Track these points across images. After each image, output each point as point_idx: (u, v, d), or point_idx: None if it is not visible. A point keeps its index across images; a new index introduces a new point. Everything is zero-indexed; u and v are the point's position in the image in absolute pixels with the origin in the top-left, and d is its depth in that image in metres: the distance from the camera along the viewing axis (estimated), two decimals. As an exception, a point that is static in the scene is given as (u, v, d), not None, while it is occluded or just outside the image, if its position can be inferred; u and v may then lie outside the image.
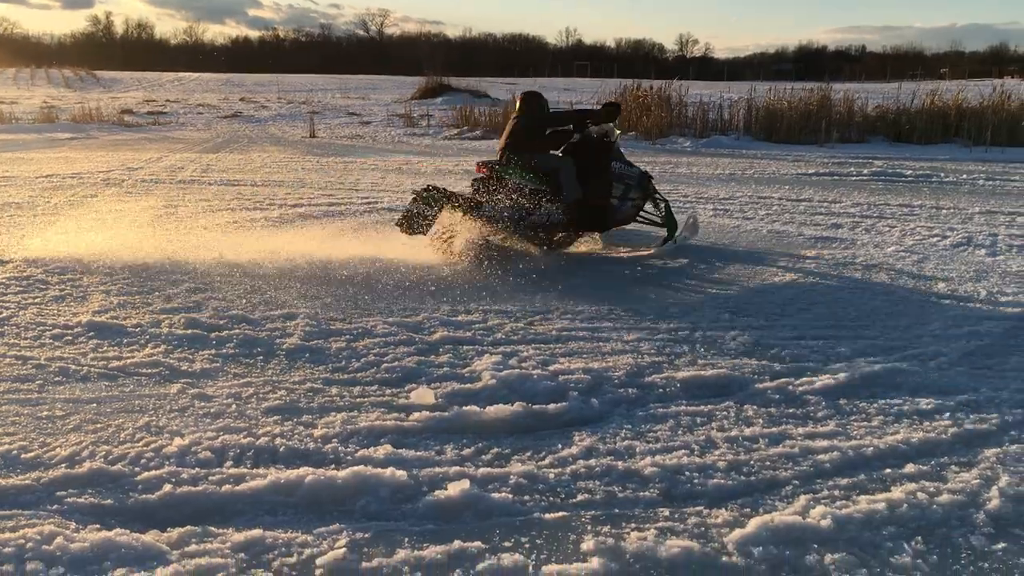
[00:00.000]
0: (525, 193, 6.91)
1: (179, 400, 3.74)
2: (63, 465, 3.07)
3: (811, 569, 2.48)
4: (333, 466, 3.11)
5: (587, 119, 7.37)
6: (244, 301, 5.45)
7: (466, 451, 3.29)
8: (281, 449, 3.25)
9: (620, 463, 3.16)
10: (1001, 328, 4.96)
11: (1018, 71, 63.63)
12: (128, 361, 4.23)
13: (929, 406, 3.74)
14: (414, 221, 6.79)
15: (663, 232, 7.52)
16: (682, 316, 5.19)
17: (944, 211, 9.56)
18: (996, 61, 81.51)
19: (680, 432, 3.48)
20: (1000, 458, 3.21)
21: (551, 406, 3.69)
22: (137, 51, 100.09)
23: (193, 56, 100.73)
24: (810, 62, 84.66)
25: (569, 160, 7.20)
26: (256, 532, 2.62)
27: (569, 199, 7.03)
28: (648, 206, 7.68)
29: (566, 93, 34.53)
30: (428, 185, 6.96)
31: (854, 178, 13.10)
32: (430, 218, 6.77)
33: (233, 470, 3.06)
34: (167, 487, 2.90)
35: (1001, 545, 2.62)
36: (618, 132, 7.65)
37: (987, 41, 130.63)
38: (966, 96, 20.50)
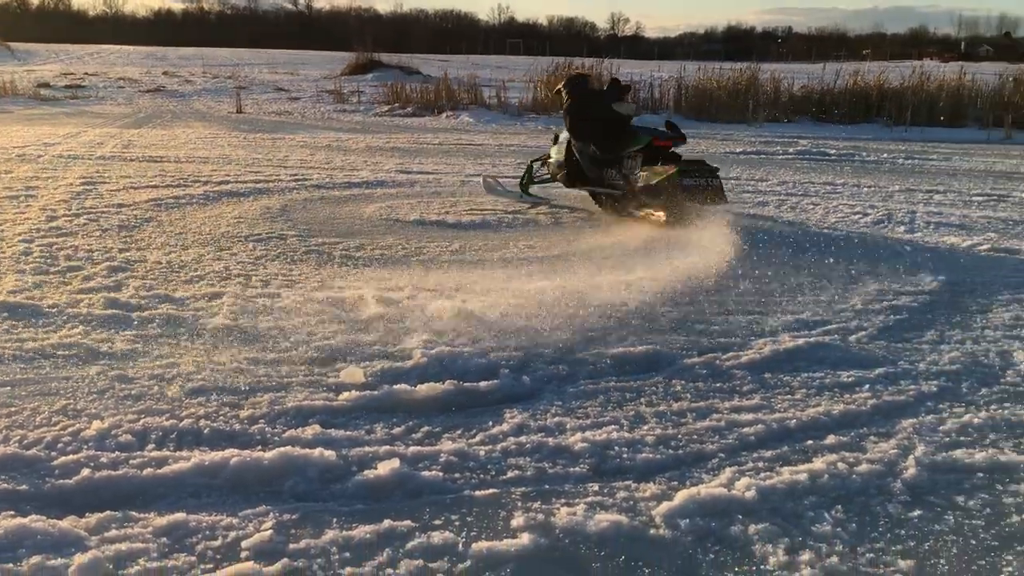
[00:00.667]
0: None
1: (98, 382, 3.63)
2: (-26, 451, 2.95)
3: (736, 539, 2.53)
4: (260, 447, 3.05)
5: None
6: (167, 279, 5.31)
7: (396, 430, 3.26)
8: (206, 431, 3.18)
9: (550, 439, 3.18)
10: (918, 303, 5.12)
11: (937, 52, 65.53)
12: (45, 343, 4.09)
13: (850, 379, 3.84)
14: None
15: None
16: (610, 293, 5.22)
17: (866, 189, 9.82)
18: (916, 43, 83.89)
19: (610, 408, 3.51)
20: (916, 428, 3.32)
21: (482, 384, 3.69)
22: (54, 22, 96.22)
23: (114, 28, 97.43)
24: (739, 42, 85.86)
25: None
26: (179, 516, 2.56)
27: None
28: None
29: (499, 71, 34.41)
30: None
31: (780, 157, 13.35)
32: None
33: (155, 453, 2.98)
34: (85, 471, 2.81)
35: (917, 512, 2.70)
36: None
37: (908, 23, 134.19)
38: (887, 77, 21.04)
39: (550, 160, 8.59)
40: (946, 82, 20.41)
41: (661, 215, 7.27)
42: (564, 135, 8.35)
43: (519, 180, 8.89)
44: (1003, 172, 11.96)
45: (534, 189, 8.80)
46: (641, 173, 7.36)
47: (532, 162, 8.99)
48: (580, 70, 8.84)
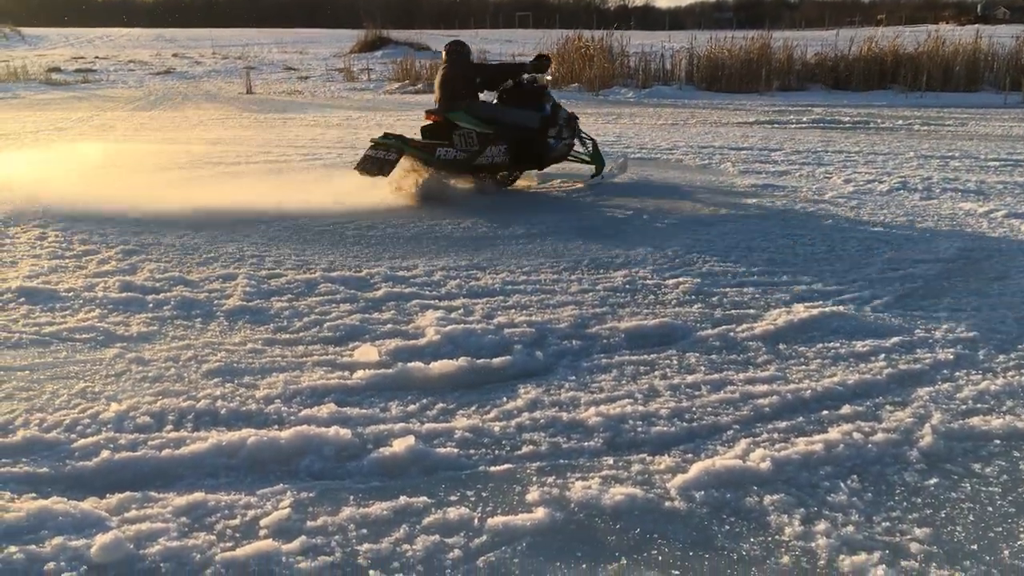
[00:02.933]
0: (473, 137, 7.59)
1: (115, 365, 3.66)
2: (-5, 435, 2.99)
3: (751, 511, 2.53)
4: (276, 427, 3.08)
5: (521, 71, 8.10)
6: (181, 262, 5.34)
7: (411, 407, 3.28)
8: (222, 411, 3.20)
9: (565, 414, 3.18)
10: (934, 271, 5.08)
11: (953, 16, 64.64)
12: (61, 326, 4.12)
13: (865, 348, 3.82)
14: (373, 164, 7.24)
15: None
16: (624, 265, 5.21)
17: (881, 157, 9.72)
18: (932, 7, 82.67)
19: (624, 382, 3.51)
20: (932, 397, 3.30)
21: (496, 360, 3.69)
22: (63, 6, 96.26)
23: (123, 11, 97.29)
24: (750, 10, 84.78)
25: (506, 106, 7.98)
26: (198, 495, 2.59)
27: (533, 123, 7.85)
28: (577, 146, 8.48)
29: (508, 44, 34.22)
30: (385, 132, 7.62)
31: (794, 126, 13.24)
32: (391, 162, 7.20)
33: (173, 434, 3.01)
34: (105, 453, 2.84)
35: (933, 480, 2.70)
36: (548, 78, 8.35)
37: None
38: (902, 42, 20.78)
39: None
40: (962, 46, 20.14)
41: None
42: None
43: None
44: (1020, 136, 11.81)
45: None
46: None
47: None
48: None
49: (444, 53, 8.08)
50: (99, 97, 20.23)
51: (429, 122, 7.72)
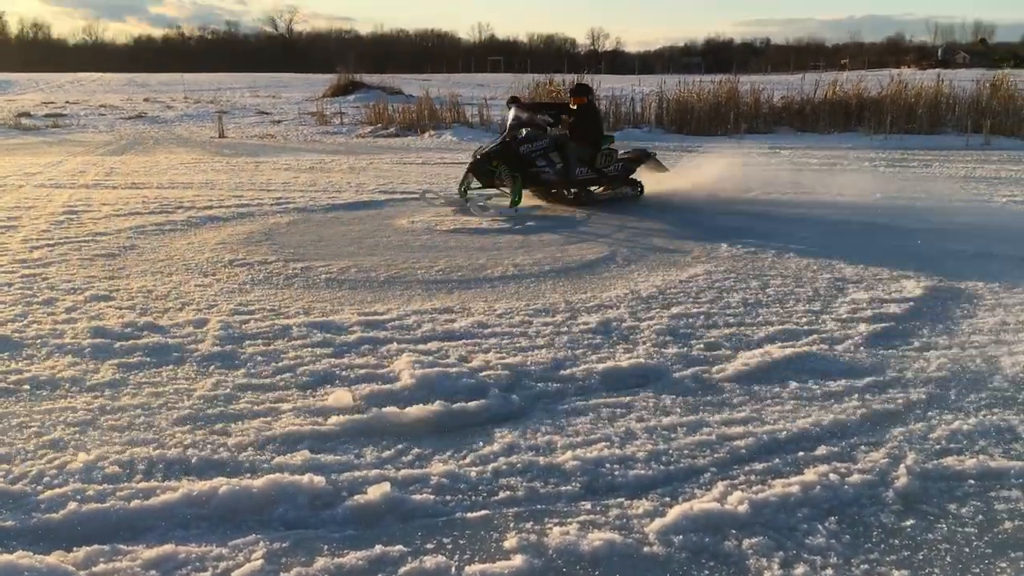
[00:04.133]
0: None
1: (84, 413, 3.59)
2: (-42, 487, 2.91)
3: (730, 555, 2.52)
4: (248, 475, 3.03)
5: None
6: (151, 308, 5.27)
7: (386, 453, 3.24)
8: (193, 460, 3.15)
9: (541, 458, 3.16)
10: (903, 310, 5.14)
11: (914, 60, 66.22)
12: (28, 374, 4.04)
13: (839, 388, 3.85)
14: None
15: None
16: (599, 307, 5.22)
17: (848, 198, 9.87)
18: (893, 51, 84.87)
19: (600, 424, 3.50)
20: (906, 437, 3.32)
21: (471, 404, 3.67)
22: (34, 51, 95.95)
23: (94, 55, 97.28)
24: (718, 55, 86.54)
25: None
26: (168, 547, 2.53)
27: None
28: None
29: (479, 89, 34.54)
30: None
31: (763, 167, 13.42)
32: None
33: (142, 484, 2.95)
34: (72, 504, 2.77)
35: (910, 521, 2.70)
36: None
37: (884, 32, 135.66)
38: (866, 86, 21.23)
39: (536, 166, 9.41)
40: (924, 89, 20.60)
41: (629, 189, 10.12)
42: (540, 144, 9.43)
43: (458, 187, 10.12)
44: (983, 177, 12.06)
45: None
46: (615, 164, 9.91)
47: (467, 171, 10.02)
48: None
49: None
50: (69, 142, 20.09)
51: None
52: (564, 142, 9.41)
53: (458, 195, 9.97)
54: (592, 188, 9.88)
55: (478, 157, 9.60)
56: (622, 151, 10.08)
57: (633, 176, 10.12)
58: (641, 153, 10.24)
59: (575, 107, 9.78)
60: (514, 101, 10.02)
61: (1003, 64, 47.54)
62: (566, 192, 9.70)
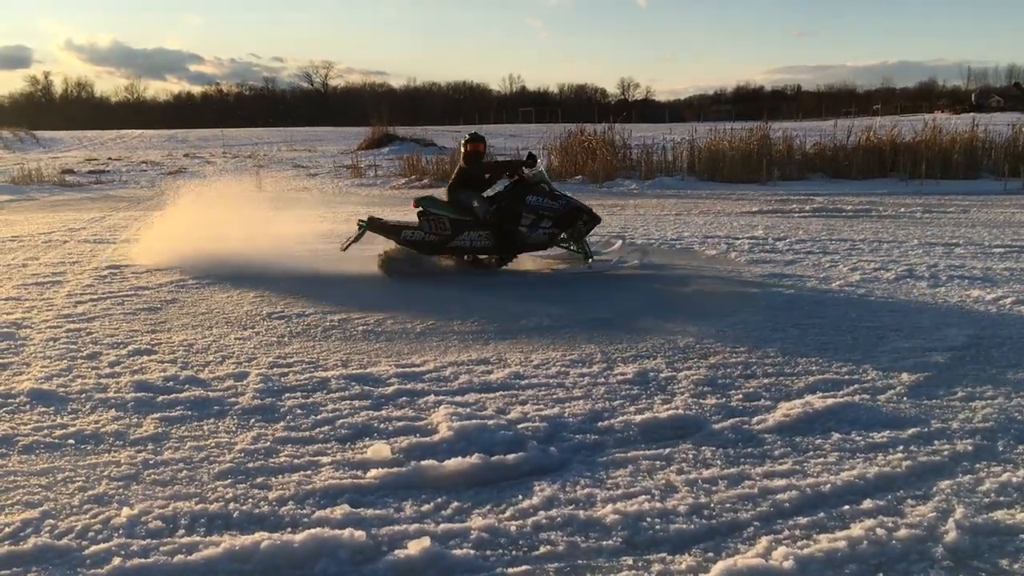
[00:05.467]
0: (444, 222, 8.53)
1: (127, 467, 3.63)
2: (7, 542, 2.95)
3: (777, 612, 2.47)
4: (289, 529, 3.03)
5: (519, 166, 8.86)
6: (192, 361, 5.34)
7: (425, 507, 3.24)
8: (235, 514, 3.16)
9: (581, 512, 3.14)
10: (946, 359, 5.06)
11: (947, 105, 65.99)
12: (72, 429, 4.10)
13: (883, 439, 3.79)
14: (345, 241, 8.93)
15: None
16: (636, 358, 5.20)
17: (885, 244, 9.79)
18: (926, 96, 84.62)
19: (640, 477, 3.47)
20: (954, 490, 3.26)
21: (510, 456, 3.66)
22: (78, 110, 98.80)
23: (136, 113, 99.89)
24: (749, 103, 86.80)
25: (477, 194, 8.70)
26: (211, 603, 2.54)
27: (482, 214, 8.49)
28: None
29: (512, 140, 34.90)
30: (370, 216, 8.88)
31: (797, 215, 13.38)
32: (353, 238, 8.77)
33: (185, 539, 2.97)
34: (116, 560, 2.80)
35: (961, 577, 2.64)
36: (541, 171, 8.90)
37: (916, 78, 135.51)
38: (899, 132, 21.15)
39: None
40: (959, 134, 20.48)
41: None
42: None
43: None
44: (1022, 222, 11.91)
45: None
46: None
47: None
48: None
49: (463, 149, 9.05)
50: (111, 197, 20.57)
51: (415, 209, 8.76)
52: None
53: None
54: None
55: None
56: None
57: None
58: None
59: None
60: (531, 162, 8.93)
61: (1039, 107, 47.17)
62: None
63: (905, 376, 4.73)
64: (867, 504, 3.15)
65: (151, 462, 3.69)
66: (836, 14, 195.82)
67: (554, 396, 4.51)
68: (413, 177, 23.40)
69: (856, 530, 2.91)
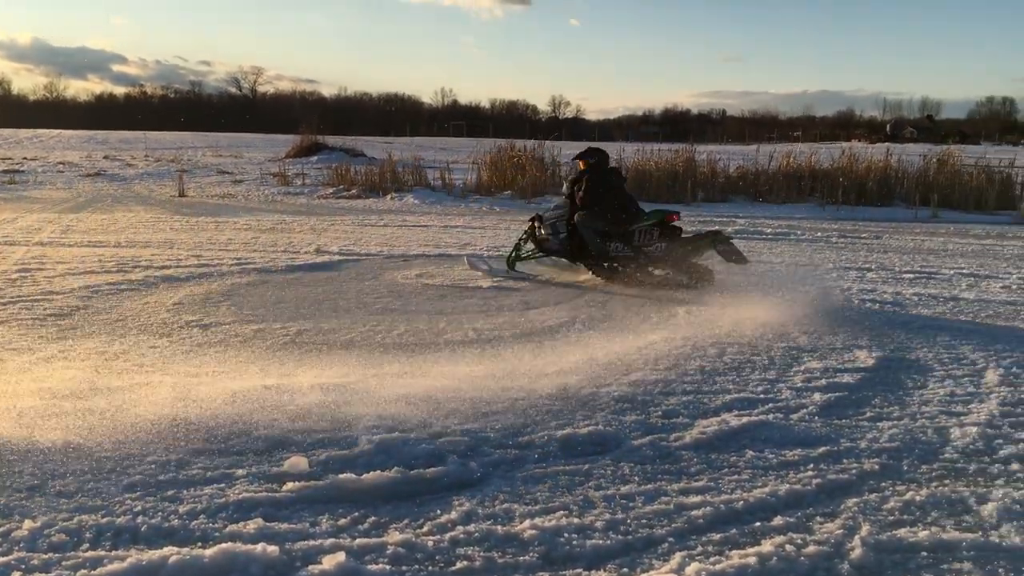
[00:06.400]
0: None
1: (30, 479, 3.49)
2: None
3: (688, 627, 2.51)
4: (200, 544, 2.96)
5: None
6: (104, 369, 5.18)
7: (342, 521, 3.20)
8: (143, 528, 3.07)
9: (499, 527, 3.14)
10: (855, 380, 5.23)
11: (864, 135, 68.39)
12: (-27, 438, 3.93)
13: (794, 457, 3.89)
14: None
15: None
16: (558, 374, 5.24)
17: (802, 268, 10.07)
18: (844, 125, 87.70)
19: (559, 492, 3.49)
20: (860, 508, 3.36)
21: (429, 470, 3.65)
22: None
23: (55, 112, 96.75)
24: (676, 124, 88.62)
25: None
26: (114, 620, 2.46)
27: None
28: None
29: (442, 152, 34.89)
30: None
31: (719, 236, 13.66)
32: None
33: (89, 553, 2.87)
34: (16, 575, 2.69)
35: (864, 592, 2.72)
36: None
37: (836, 106, 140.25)
38: (818, 158, 21.82)
39: (543, 235, 9.24)
40: (874, 163, 21.22)
41: (685, 278, 8.59)
42: (558, 212, 9.14)
43: (506, 257, 9.56)
44: (931, 249, 12.39)
45: (521, 266, 9.50)
46: (660, 243, 8.61)
47: (519, 240, 9.56)
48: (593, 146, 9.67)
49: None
50: (26, 199, 19.86)
51: None
52: (567, 213, 9.01)
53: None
54: (651, 268, 8.75)
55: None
56: (690, 232, 8.99)
57: (700, 261, 8.67)
58: (709, 235, 8.68)
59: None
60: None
61: (948, 140, 49.27)
62: (603, 266, 8.89)
63: (817, 396, 4.87)
64: (778, 521, 3.22)
65: (57, 472, 3.56)
66: (762, 42, 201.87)
67: (476, 410, 4.50)
68: (341, 187, 23.17)
69: (766, 546, 2.98)
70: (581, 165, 9.11)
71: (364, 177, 23.80)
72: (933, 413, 4.60)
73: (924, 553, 3.00)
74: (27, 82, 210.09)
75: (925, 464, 3.85)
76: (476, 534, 3.09)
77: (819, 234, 13.95)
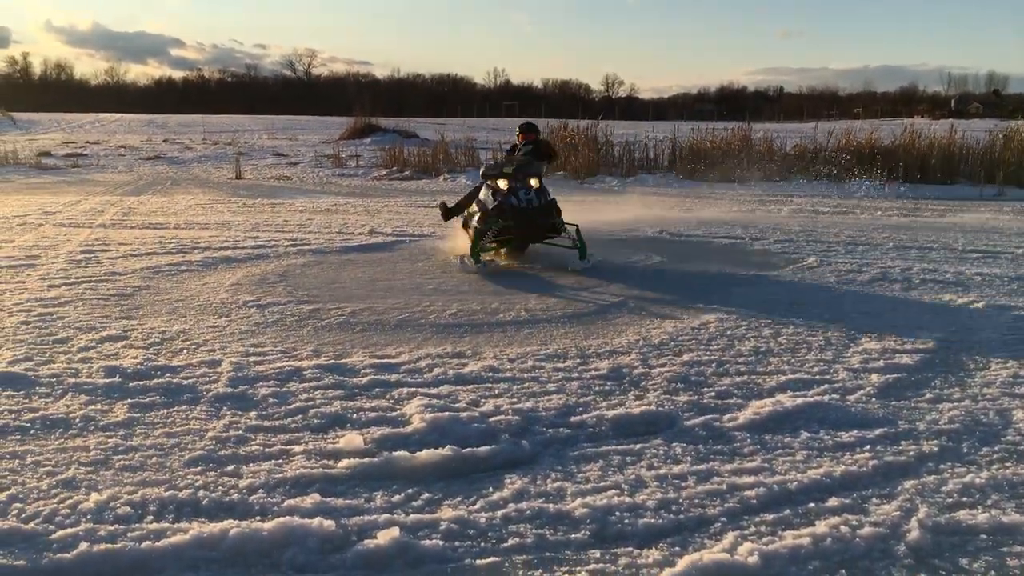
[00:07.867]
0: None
1: (96, 453, 3.61)
2: (-29, 525, 2.93)
3: (740, 606, 2.50)
4: (259, 517, 3.03)
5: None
6: (165, 348, 5.32)
7: (396, 497, 3.25)
8: (204, 501, 3.16)
9: (551, 505, 3.16)
10: (916, 361, 5.13)
11: (927, 110, 66.59)
12: (42, 413, 4.08)
13: (850, 439, 3.83)
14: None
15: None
16: (610, 353, 5.23)
17: (861, 247, 9.88)
18: (906, 101, 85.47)
19: (610, 472, 3.49)
20: (918, 490, 3.31)
21: (481, 449, 3.68)
22: (56, 92, 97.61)
23: (115, 96, 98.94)
24: (731, 102, 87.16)
25: None
26: (177, 590, 2.54)
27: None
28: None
29: (495, 133, 34.88)
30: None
31: (775, 214, 13.46)
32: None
33: (153, 525, 2.96)
34: (83, 545, 2.79)
35: None
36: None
37: (898, 82, 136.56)
38: (879, 135, 21.33)
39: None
40: (937, 139, 20.67)
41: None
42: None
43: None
44: (996, 228, 12.06)
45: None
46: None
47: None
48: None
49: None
50: (88, 182, 20.39)
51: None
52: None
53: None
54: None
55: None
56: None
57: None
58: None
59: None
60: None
61: (1017, 115, 47.70)
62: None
63: (875, 377, 4.78)
64: (833, 502, 3.19)
65: (120, 448, 3.67)
66: (821, 16, 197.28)
67: (528, 390, 4.53)
68: (395, 168, 23.35)
69: (821, 527, 2.95)
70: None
71: (417, 158, 23.96)
72: (995, 395, 4.49)
73: (983, 536, 2.94)
74: (88, 67, 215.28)
75: (986, 446, 3.77)
76: (528, 512, 3.11)
77: (879, 212, 13.66)
